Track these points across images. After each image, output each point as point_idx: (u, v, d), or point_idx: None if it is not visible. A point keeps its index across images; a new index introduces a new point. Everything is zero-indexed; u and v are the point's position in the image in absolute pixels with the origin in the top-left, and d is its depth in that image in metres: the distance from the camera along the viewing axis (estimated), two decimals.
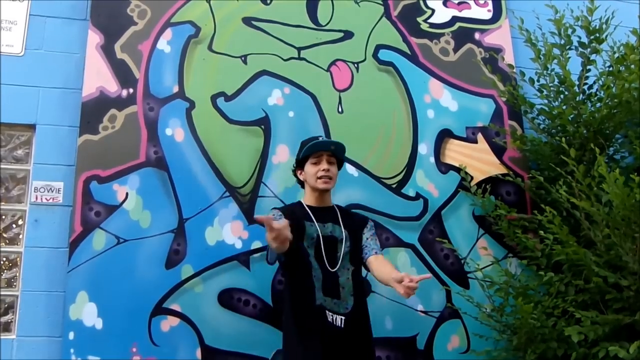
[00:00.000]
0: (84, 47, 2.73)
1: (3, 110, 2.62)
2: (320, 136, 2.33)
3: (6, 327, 2.47)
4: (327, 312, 2.08)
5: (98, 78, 2.69)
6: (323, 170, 2.19)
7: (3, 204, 2.60)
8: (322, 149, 2.22)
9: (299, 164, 2.29)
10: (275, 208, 2.25)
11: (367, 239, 2.25)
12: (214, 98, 2.79)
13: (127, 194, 2.58)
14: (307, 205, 2.25)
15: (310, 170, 2.22)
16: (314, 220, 2.18)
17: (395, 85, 3.02)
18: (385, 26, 3.10)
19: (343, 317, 2.08)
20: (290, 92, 2.87)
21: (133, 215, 2.56)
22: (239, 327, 2.53)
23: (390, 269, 2.06)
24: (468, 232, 2.87)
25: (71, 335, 2.39)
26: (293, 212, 2.20)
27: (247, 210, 2.67)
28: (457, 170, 2.93)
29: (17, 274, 2.52)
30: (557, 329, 2.30)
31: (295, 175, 2.35)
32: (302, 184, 2.33)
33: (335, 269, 2.13)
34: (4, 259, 2.57)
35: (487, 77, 3.07)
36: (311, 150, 2.22)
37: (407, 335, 2.68)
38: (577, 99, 2.75)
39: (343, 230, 2.21)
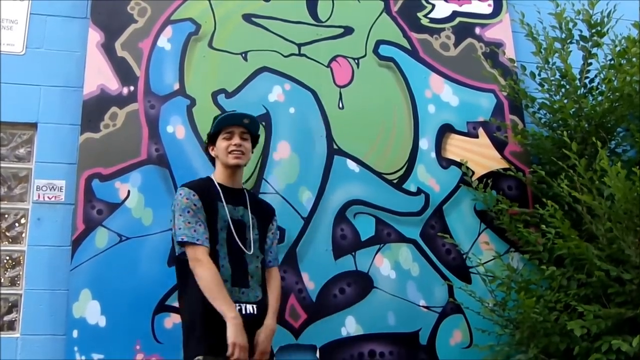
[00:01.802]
0: (84, 45, 2.73)
1: (5, 109, 2.62)
2: (234, 111, 2.20)
3: (10, 326, 2.48)
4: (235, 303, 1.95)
5: (99, 76, 2.69)
6: (235, 144, 2.07)
7: (6, 202, 2.61)
8: (235, 123, 2.11)
9: (211, 139, 2.16)
10: (184, 186, 2.06)
11: (271, 242, 2.17)
12: (214, 95, 2.79)
13: (128, 191, 2.59)
14: (218, 184, 2.10)
15: (221, 144, 2.10)
16: (224, 202, 2.06)
17: (395, 81, 3.01)
18: (386, 22, 3.09)
19: (255, 305, 2.00)
20: (290, 89, 2.87)
21: (135, 213, 2.57)
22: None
23: (272, 300, 2.07)
24: (470, 227, 2.87)
25: (75, 334, 2.39)
26: (207, 191, 2.06)
27: None
28: (459, 165, 2.93)
29: (21, 273, 2.53)
30: (560, 323, 2.29)
31: (207, 152, 2.22)
32: (213, 161, 2.20)
33: (245, 256, 2.03)
34: (7, 257, 2.57)
35: (488, 71, 3.06)
36: (223, 124, 2.11)
37: (409, 330, 2.69)
38: (579, 92, 2.74)
39: (252, 216, 2.10)
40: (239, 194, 2.14)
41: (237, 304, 1.95)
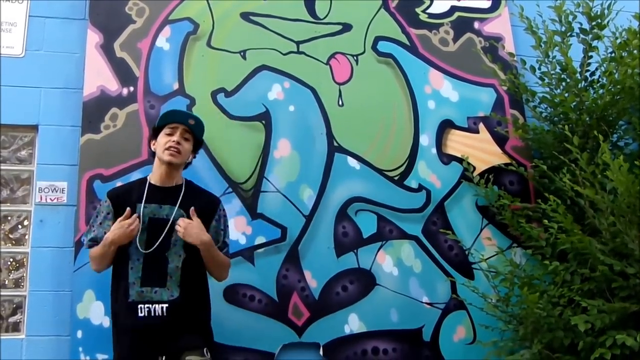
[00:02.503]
0: (83, 46, 2.74)
1: (5, 111, 2.63)
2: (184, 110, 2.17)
3: (15, 327, 2.50)
4: (139, 306, 1.95)
5: (98, 77, 2.70)
6: (173, 141, 2.02)
7: (8, 205, 2.62)
8: (179, 121, 2.06)
9: (154, 133, 2.11)
10: (108, 193, 2.10)
11: (215, 238, 2.08)
12: (214, 94, 2.79)
13: None
14: (150, 183, 2.07)
15: (161, 140, 2.05)
16: (146, 201, 2.02)
17: (395, 77, 3.00)
18: (384, 18, 3.08)
19: (166, 305, 1.95)
20: (290, 87, 2.87)
21: None
22: (244, 323, 2.54)
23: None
24: (472, 222, 2.86)
25: (79, 334, 2.41)
26: (128, 194, 2.06)
27: (250, 205, 2.68)
28: (460, 160, 2.92)
29: (24, 275, 2.55)
30: (564, 318, 2.28)
31: (149, 146, 2.16)
32: (153, 155, 2.14)
33: (159, 253, 1.98)
34: (11, 259, 2.59)
35: (488, 66, 3.05)
36: (166, 120, 2.07)
37: (412, 327, 2.68)
38: (580, 86, 2.72)
39: (180, 210, 2.04)
40: (171, 192, 2.07)
41: (146, 304, 1.95)
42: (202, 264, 2.06)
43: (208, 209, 2.10)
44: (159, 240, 1.99)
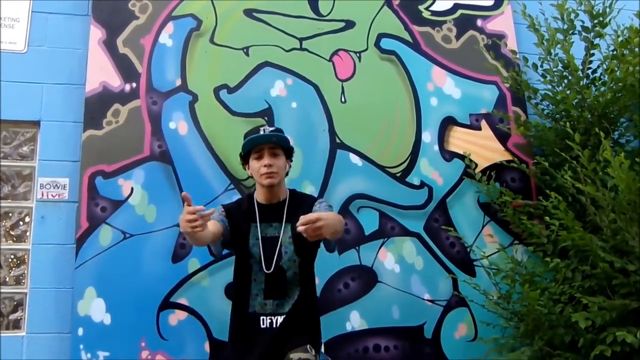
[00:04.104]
0: (86, 42, 2.74)
1: (7, 107, 2.63)
2: (263, 126, 2.14)
3: (16, 324, 2.50)
4: (262, 318, 1.99)
5: (101, 73, 2.70)
6: (265, 166, 2.02)
7: (9, 201, 2.61)
8: (262, 143, 2.05)
9: (244, 159, 2.13)
10: (223, 205, 2.13)
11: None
12: (216, 90, 2.79)
13: (132, 188, 2.59)
14: (257, 202, 2.11)
15: (253, 165, 2.06)
16: (259, 220, 2.07)
17: (397, 74, 3.01)
18: (387, 15, 3.08)
19: (284, 316, 2.00)
20: (292, 83, 2.87)
21: (139, 210, 2.57)
22: None
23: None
24: (473, 219, 2.87)
25: (80, 331, 2.41)
26: (238, 211, 2.10)
27: None
28: (462, 157, 2.93)
29: (26, 271, 2.54)
30: (564, 315, 2.28)
31: (244, 168, 2.18)
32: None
33: (278, 269, 2.02)
34: (12, 256, 2.58)
35: (490, 63, 3.06)
36: (250, 146, 2.07)
37: (414, 324, 2.69)
38: (581, 83, 2.73)
39: (288, 225, 2.07)
40: (276, 209, 2.10)
41: (268, 317, 1.99)
42: (313, 265, 2.15)
43: (308, 211, 2.07)
44: (275, 257, 2.03)
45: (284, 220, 2.08)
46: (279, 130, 2.13)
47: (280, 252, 2.03)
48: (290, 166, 2.15)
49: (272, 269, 2.01)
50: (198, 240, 1.84)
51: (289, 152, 2.14)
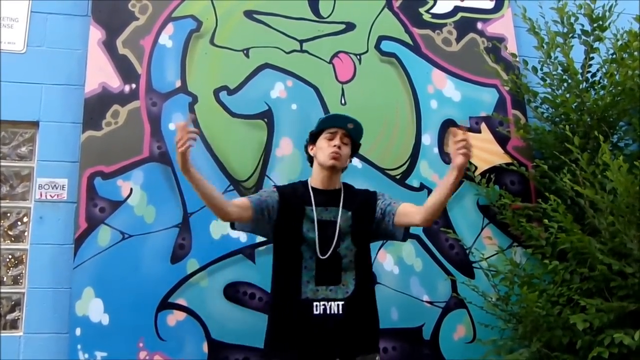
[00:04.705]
0: (85, 43, 2.73)
1: (6, 107, 2.62)
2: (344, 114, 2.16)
3: (13, 325, 2.49)
4: (314, 304, 1.92)
5: (100, 74, 2.69)
6: (335, 146, 2.02)
7: (8, 201, 2.60)
8: (339, 126, 2.06)
9: (313, 138, 2.12)
10: (277, 187, 2.12)
11: (380, 209, 2.06)
12: (216, 92, 2.79)
13: (131, 189, 2.59)
14: (312, 187, 2.08)
15: (322, 144, 2.06)
16: (314, 204, 2.03)
17: (398, 76, 3.01)
18: (387, 17, 3.09)
19: (342, 302, 1.94)
20: (292, 85, 2.87)
21: (138, 211, 2.57)
22: (245, 321, 2.54)
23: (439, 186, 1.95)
24: (473, 222, 2.88)
25: (78, 332, 2.40)
26: (293, 194, 2.06)
27: None
28: None
29: (23, 272, 2.53)
30: (563, 317, 2.30)
31: (306, 151, 2.17)
32: (311, 160, 2.16)
33: (333, 254, 1.97)
34: (10, 256, 2.57)
35: (490, 66, 3.06)
36: (327, 124, 2.07)
37: (413, 325, 2.69)
38: (581, 86, 2.74)
39: (345, 211, 2.05)
40: (333, 195, 2.08)
41: (321, 302, 1.92)
42: (369, 256, 2.09)
43: (368, 202, 2.11)
44: (334, 242, 1.99)
45: (341, 205, 2.04)
46: (358, 125, 2.11)
47: (339, 237, 1.99)
48: (347, 165, 2.15)
49: (327, 254, 1.96)
50: (195, 181, 1.90)
51: (355, 149, 2.15)
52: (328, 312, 1.92)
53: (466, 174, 2.90)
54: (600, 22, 2.73)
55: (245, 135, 2.76)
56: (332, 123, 2.08)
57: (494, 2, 3.25)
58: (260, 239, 2.62)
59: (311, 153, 2.13)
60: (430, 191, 2.87)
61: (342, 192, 2.10)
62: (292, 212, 2.00)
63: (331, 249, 1.97)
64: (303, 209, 2.02)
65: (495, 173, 2.92)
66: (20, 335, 2.42)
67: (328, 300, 1.93)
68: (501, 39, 3.17)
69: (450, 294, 2.75)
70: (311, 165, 2.16)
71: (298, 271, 1.96)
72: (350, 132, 2.09)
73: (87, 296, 2.44)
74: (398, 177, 2.86)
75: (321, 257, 1.96)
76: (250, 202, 1.98)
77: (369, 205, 2.09)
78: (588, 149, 2.61)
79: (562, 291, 2.34)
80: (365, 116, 2.82)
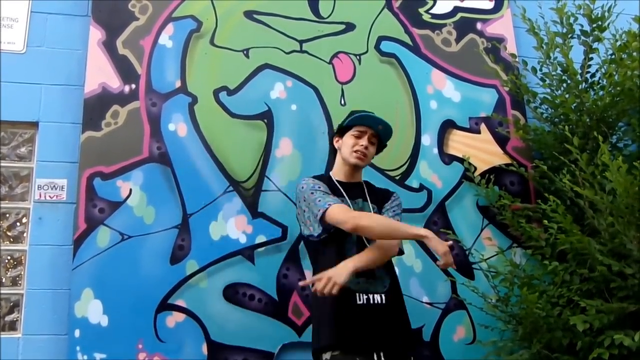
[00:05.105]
0: (85, 43, 2.72)
1: (6, 108, 2.61)
2: (373, 113, 2.15)
3: (12, 326, 2.48)
4: (357, 294, 1.92)
5: (100, 74, 2.69)
6: (362, 145, 2.05)
7: (7, 202, 2.60)
8: (369, 125, 2.08)
9: (341, 131, 2.14)
10: (312, 177, 2.08)
11: (385, 210, 2.10)
12: (216, 92, 2.78)
13: (130, 190, 2.58)
14: (337, 180, 2.09)
15: (349, 141, 2.08)
16: (345, 195, 2.04)
17: (397, 77, 3.01)
18: (387, 17, 3.09)
19: (383, 294, 1.95)
20: (292, 86, 2.87)
21: (137, 212, 2.56)
22: (244, 322, 2.53)
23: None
24: (472, 222, 2.87)
25: (77, 333, 2.39)
26: (327, 185, 2.05)
27: (251, 204, 2.67)
28: (461, 160, 2.93)
29: (22, 273, 2.52)
30: (563, 318, 2.29)
31: (331, 142, 2.21)
32: (334, 153, 2.19)
33: (368, 244, 1.97)
34: (9, 257, 2.57)
35: (490, 66, 3.07)
36: (357, 122, 2.08)
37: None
38: (580, 87, 2.74)
39: (371, 205, 2.07)
40: (357, 187, 2.11)
41: (363, 294, 1.92)
42: None
43: (385, 198, 2.15)
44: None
45: (369, 199, 2.07)
46: (388, 127, 2.13)
47: None
48: (369, 162, 2.17)
49: (365, 246, 1.96)
50: (368, 263, 1.89)
51: (380, 149, 2.17)
52: (371, 302, 1.92)
53: (466, 174, 2.91)
54: (600, 23, 2.74)
55: (245, 135, 2.76)
56: (363, 122, 2.08)
57: (493, 2, 3.26)
58: (258, 239, 2.63)
59: (336, 145, 2.15)
60: (429, 192, 2.87)
61: (365, 186, 2.13)
62: None
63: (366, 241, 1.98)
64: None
65: (495, 174, 2.91)
66: (19, 336, 2.41)
67: (368, 292, 1.94)
68: (500, 40, 3.17)
69: (450, 295, 2.75)
70: (333, 158, 2.19)
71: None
72: (379, 132, 2.10)
73: (86, 297, 2.43)
74: (397, 177, 2.86)
75: (368, 243, 1.96)
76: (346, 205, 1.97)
77: (385, 201, 2.13)
78: (587, 149, 2.61)
79: (562, 292, 2.33)
80: None
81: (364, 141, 2.06)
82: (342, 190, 2.05)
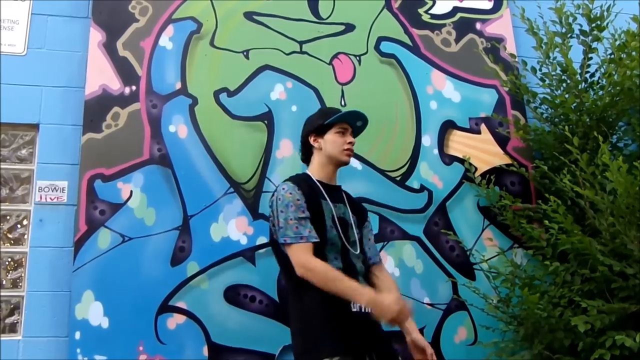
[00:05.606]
0: (86, 45, 2.73)
1: (6, 110, 2.61)
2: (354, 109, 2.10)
3: (12, 328, 2.47)
4: (351, 303, 1.85)
5: (100, 76, 2.69)
6: (350, 143, 2.00)
7: (7, 204, 2.60)
8: (350, 122, 2.05)
9: (318, 130, 2.02)
10: (287, 180, 1.97)
11: (369, 239, 2.08)
12: (216, 94, 2.78)
13: (131, 191, 2.58)
14: (317, 180, 2.00)
15: (335, 139, 1.99)
16: (327, 198, 1.96)
17: (397, 77, 3.01)
18: (387, 18, 3.09)
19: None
20: (292, 87, 2.87)
21: (138, 213, 2.56)
22: (245, 324, 2.53)
23: (394, 289, 1.98)
24: (473, 223, 2.87)
25: (77, 335, 2.38)
26: (307, 187, 1.94)
27: (252, 205, 2.67)
28: (461, 161, 2.93)
29: (23, 275, 2.52)
30: (564, 318, 2.28)
31: (305, 141, 2.07)
32: (307, 152, 2.08)
33: (351, 255, 1.92)
34: (9, 259, 2.56)
35: (489, 67, 3.07)
36: (340, 119, 2.02)
37: None
38: (580, 87, 2.74)
39: (352, 216, 2.01)
40: (338, 191, 2.05)
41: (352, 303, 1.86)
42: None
43: (363, 213, 2.12)
44: (357, 241, 1.96)
45: (348, 207, 2.01)
46: (366, 123, 2.12)
47: (355, 237, 1.96)
48: None
49: (357, 249, 1.94)
50: None
51: None
52: (363, 310, 1.86)
53: (466, 175, 2.91)
54: (599, 22, 2.74)
55: (246, 137, 2.76)
56: (346, 119, 2.05)
57: (492, 2, 3.26)
58: (259, 241, 2.62)
59: (314, 144, 2.04)
60: (430, 192, 2.87)
61: (343, 192, 2.10)
62: (312, 208, 1.90)
63: (355, 246, 1.96)
64: (320, 204, 1.93)
65: (496, 174, 2.92)
66: (20, 339, 2.41)
67: None
68: (500, 40, 3.17)
69: (451, 296, 2.74)
70: (304, 157, 2.10)
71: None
72: (357, 129, 2.10)
73: (86, 299, 2.42)
74: (398, 178, 2.86)
75: (351, 251, 1.93)
76: (312, 243, 1.85)
77: (364, 218, 2.11)
78: (587, 149, 2.61)
79: (563, 293, 2.33)
80: None
81: (350, 138, 2.03)
82: (324, 193, 1.97)
